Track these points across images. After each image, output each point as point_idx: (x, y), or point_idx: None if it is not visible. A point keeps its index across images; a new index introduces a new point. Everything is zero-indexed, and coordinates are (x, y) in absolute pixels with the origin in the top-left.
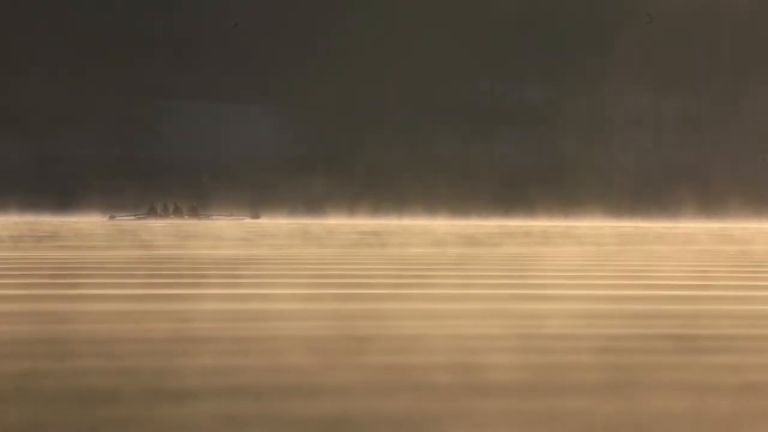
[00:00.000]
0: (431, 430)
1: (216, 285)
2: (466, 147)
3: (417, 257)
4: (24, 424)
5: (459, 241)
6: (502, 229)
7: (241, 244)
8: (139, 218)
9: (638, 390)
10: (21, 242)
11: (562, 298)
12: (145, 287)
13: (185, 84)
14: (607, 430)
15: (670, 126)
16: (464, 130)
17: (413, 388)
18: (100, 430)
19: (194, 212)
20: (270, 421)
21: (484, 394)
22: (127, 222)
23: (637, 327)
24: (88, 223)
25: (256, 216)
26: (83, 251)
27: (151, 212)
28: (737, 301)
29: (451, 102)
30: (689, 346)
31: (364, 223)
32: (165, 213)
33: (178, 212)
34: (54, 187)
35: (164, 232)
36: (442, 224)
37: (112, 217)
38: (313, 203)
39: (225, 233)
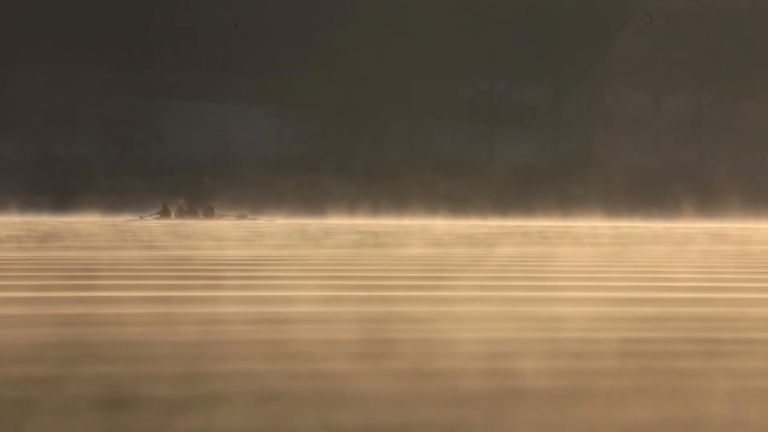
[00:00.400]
0: None
1: (236, 287)
2: (466, 147)
3: (429, 258)
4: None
5: (467, 242)
6: (506, 230)
7: (249, 245)
8: (152, 218)
9: (668, 395)
10: (28, 243)
11: (580, 301)
12: (163, 289)
13: (185, 84)
14: None
15: (670, 126)
16: (464, 130)
17: (443, 394)
18: None
19: (211, 212)
20: (299, 428)
21: (515, 400)
22: (135, 222)
23: (658, 330)
24: (88, 223)
25: (243, 216)
26: (92, 252)
27: (165, 212)
28: (750, 303)
29: (451, 102)
30: (712, 350)
31: (368, 223)
32: (179, 213)
33: (192, 212)
34: (54, 187)
35: (164, 232)
36: (446, 224)
37: (141, 217)
38: (313, 203)
39: (228, 234)
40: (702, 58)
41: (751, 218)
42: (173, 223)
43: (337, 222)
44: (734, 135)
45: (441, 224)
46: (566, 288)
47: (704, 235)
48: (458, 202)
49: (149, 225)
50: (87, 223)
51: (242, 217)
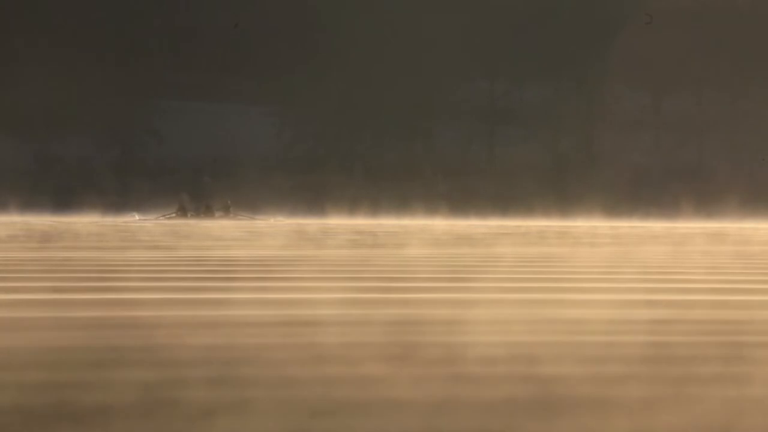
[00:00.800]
0: None
1: (257, 289)
2: (466, 147)
3: (441, 258)
4: None
5: (473, 242)
6: (509, 230)
7: (259, 245)
8: (168, 218)
9: (697, 402)
10: (35, 243)
11: (597, 303)
12: (184, 291)
13: (185, 84)
14: None
15: (670, 126)
16: (464, 130)
17: (470, 400)
18: None
19: (227, 212)
20: None
21: (555, 410)
22: (147, 222)
23: (679, 334)
24: (89, 223)
25: (258, 217)
26: (101, 252)
27: (181, 212)
28: (765, 305)
29: (451, 102)
30: (735, 354)
31: (375, 223)
32: (196, 212)
33: (209, 211)
34: (54, 187)
35: (163, 232)
36: (450, 224)
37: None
38: (314, 203)
39: (229, 233)
40: (702, 58)
41: (752, 218)
42: (173, 222)
43: (342, 222)
44: (734, 135)
45: (445, 224)
46: (581, 290)
47: (707, 235)
48: (458, 202)
49: (148, 225)
50: (90, 223)
51: (258, 217)
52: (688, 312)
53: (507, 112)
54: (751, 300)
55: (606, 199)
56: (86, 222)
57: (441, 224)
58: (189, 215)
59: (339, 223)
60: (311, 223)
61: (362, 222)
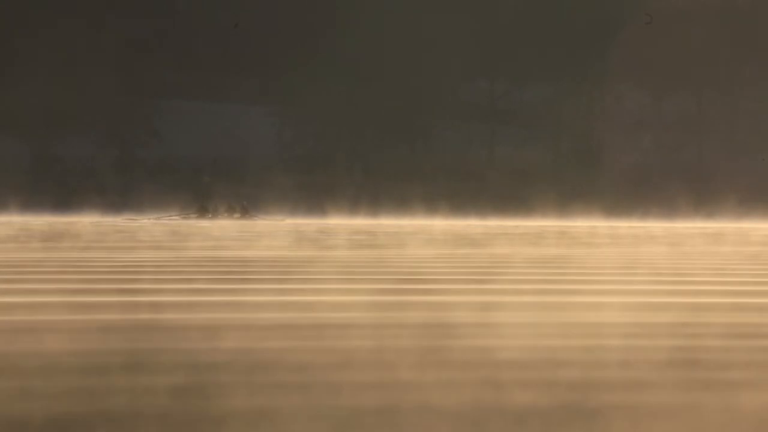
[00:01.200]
0: None
1: (279, 291)
2: (467, 147)
3: (455, 259)
4: None
5: (480, 242)
6: (512, 230)
7: (269, 245)
8: (186, 218)
9: (739, 410)
10: (42, 243)
11: (620, 307)
12: (207, 293)
13: (185, 84)
14: None
15: (670, 126)
16: (464, 130)
17: (499, 407)
18: None
19: (245, 212)
20: None
21: (585, 416)
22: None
23: (701, 338)
24: (93, 223)
25: (276, 217)
26: (110, 252)
27: (202, 212)
28: None
29: (451, 102)
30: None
31: (379, 223)
32: (215, 213)
33: (230, 212)
34: (54, 186)
35: (164, 232)
36: (456, 225)
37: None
38: (314, 203)
39: (230, 234)
40: (702, 58)
41: (754, 218)
42: (173, 223)
43: (352, 222)
44: (734, 135)
45: (450, 225)
46: (597, 293)
47: (714, 235)
48: (459, 202)
49: (147, 225)
50: (93, 222)
51: (273, 218)
52: (708, 315)
53: (507, 112)
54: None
55: (607, 199)
56: (89, 222)
57: (448, 225)
58: (208, 216)
59: (351, 223)
60: (326, 223)
61: (369, 222)
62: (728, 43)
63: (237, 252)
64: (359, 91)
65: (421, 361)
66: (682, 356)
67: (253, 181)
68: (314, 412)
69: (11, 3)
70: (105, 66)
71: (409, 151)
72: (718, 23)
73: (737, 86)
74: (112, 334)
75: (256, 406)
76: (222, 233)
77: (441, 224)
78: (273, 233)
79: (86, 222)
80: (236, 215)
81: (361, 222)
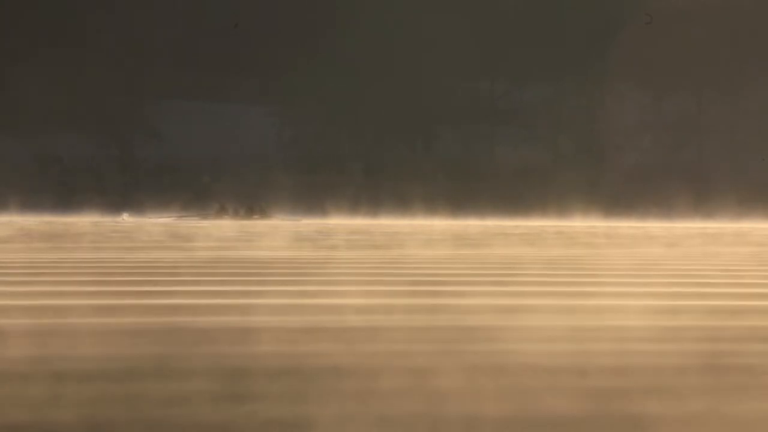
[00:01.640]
0: None
1: (299, 293)
2: (466, 147)
3: (469, 260)
4: None
5: (489, 243)
6: (514, 230)
7: (279, 246)
8: (205, 218)
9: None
10: (49, 243)
11: (642, 310)
12: (229, 296)
13: (185, 84)
14: None
15: (670, 126)
16: (464, 130)
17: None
18: None
19: (263, 213)
20: None
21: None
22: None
23: (736, 342)
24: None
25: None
26: (121, 253)
27: (221, 212)
28: None
29: (451, 102)
30: None
31: (383, 223)
32: (235, 214)
33: (249, 213)
34: (54, 186)
35: (164, 232)
36: (461, 225)
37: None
38: (314, 203)
39: (231, 234)
40: (702, 58)
41: (754, 218)
42: (171, 223)
43: (361, 223)
44: (734, 135)
45: (458, 225)
46: (614, 295)
47: (721, 236)
48: (459, 202)
49: (147, 226)
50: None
51: (294, 218)
52: (728, 318)
53: (507, 112)
54: None
55: (608, 199)
56: (90, 222)
57: (453, 225)
58: (227, 216)
59: (361, 223)
60: (343, 223)
61: (379, 222)
62: (728, 43)
63: (252, 253)
64: (359, 91)
65: (451, 366)
66: (709, 361)
67: (253, 181)
68: (349, 419)
69: (11, 3)
70: (105, 66)
71: (410, 151)
72: (718, 23)
73: (737, 86)
74: (141, 338)
75: (291, 413)
76: (237, 233)
77: (448, 225)
78: (290, 233)
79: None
80: (255, 216)
81: (371, 222)
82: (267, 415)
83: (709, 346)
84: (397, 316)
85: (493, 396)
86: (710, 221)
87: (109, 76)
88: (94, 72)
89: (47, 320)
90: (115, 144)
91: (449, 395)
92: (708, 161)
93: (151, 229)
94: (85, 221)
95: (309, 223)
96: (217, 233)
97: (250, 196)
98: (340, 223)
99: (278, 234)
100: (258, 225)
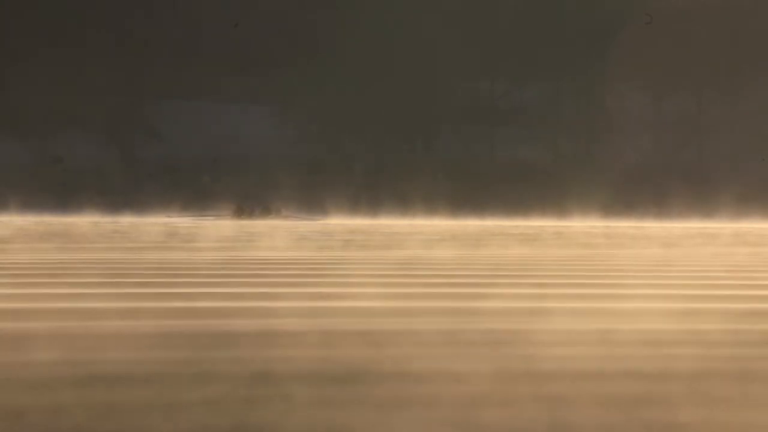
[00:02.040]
0: None
1: (319, 296)
2: (466, 147)
3: (482, 260)
4: None
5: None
6: (516, 230)
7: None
8: (221, 218)
9: None
10: (56, 243)
11: (667, 313)
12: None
13: (185, 84)
14: None
15: (670, 126)
16: (464, 130)
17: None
18: None
19: (279, 213)
20: None
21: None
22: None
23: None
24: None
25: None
26: (131, 254)
27: (238, 212)
28: None
29: (451, 102)
30: None
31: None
32: (251, 213)
33: (265, 212)
34: (54, 186)
35: (164, 233)
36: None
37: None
38: (314, 203)
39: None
40: (702, 58)
41: (754, 218)
42: (171, 222)
43: (370, 222)
44: (734, 135)
45: (469, 225)
46: (638, 298)
47: (727, 236)
48: (459, 202)
49: (146, 226)
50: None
51: (311, 218)
52: (756, 321)
53: (507, 112)
54: None
55: (610, 199)
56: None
57: (457, 225)
58: (244, 216)
59: (380, 223)
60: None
61: (385, 222)
62: (728, 43)
63: (265, 253)
64: (359, 91)
65: (491, 373)
66: (739, 366)
67: (253, 181)
68: (387, 428)
69: (11, 3)
70: (105, 66)
71: (410, 152)
72: (718, 23)
73: (737, 86)
74: (165, 341)
75: (331, 421)
76: (251, 233)
77: (457, 225)
78: (305, 233)
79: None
80: (271, 216)
81: (383, 222)
82: (300, 421)
83: (738, 351)
84: (420, 319)
85: (526, 402)
86: (710, 221)
87: (109, 76)
88: (94, 72)
89: (74, 323)
90: (115, 144)
91: (482, 401)
92: (708, 161)
93: (162, 230)
94: (84, 221)
95: (325, 224)
96: (229, 233)
97: (250, 196)
98: (357, 223)
99: (292, 234)
100: (272, 225)
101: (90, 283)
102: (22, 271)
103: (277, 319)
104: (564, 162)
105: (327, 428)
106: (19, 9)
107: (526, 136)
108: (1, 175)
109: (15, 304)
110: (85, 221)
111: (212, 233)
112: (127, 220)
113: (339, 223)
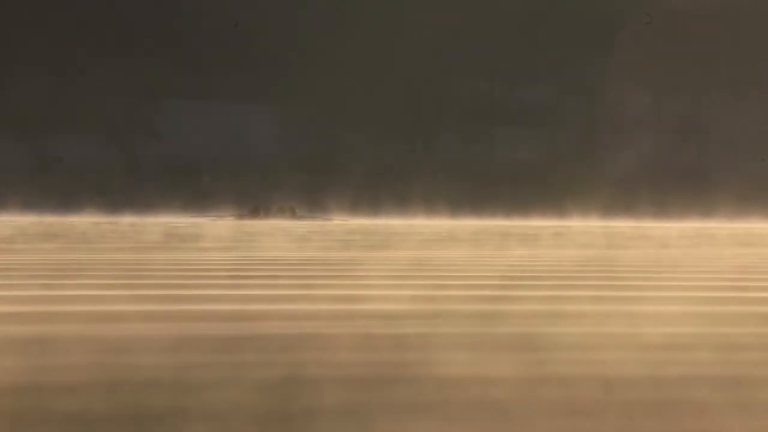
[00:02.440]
0: None
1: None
2: (466, 147)
3: (496, 261)
4: None
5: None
6: (518, 231)
7: (295, 246)
8: (239, 218)
9: None
10: (62, 243)
11: (680, 317)
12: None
13: (185, 84)
14: None
15: (671, 126)
16: (464, 130)
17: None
18: None
19: (293, 213)
20: None
21: None
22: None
23: None
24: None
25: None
26: (138, 254)
27: (254, 212)
28: None
29: (451, 102)
30: None
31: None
32: (267, 213)
33: (281, 212)
34: (54, 187)
35: (164, 233)
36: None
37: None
38: (314, 203)
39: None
40: (702, 58)
41: (754, 218)
42: (171, 223)
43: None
44: (734, 135)
45: (459, 224)
46: (666, 300)
47: (731, 236)
48: (460, 202)
49: (146, 226)
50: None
51: (325, 218)
52: None
53: (507, 112)
54: None
55: (606, 200)
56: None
57: (463, 225)
58: (260, 216)
59: (375, 223)
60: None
61: (392, 223)
62: (728, 43)
63: (285, 254)
64: (359, 91)
65: (529, 380)
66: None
67: (253, 181)
68: None
69: (11, 3)
70: (105, 66)
71: (410, 152)
72: (718, 23)
73: (737, 86)
74: (203, 344)
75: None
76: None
77: (465, 225)
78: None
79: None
80: (286, 216)
81: (395, 222)
82: (328, 426)
83: (766, 355)
84: (445, 321)
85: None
86: (711, 221)
87: (109, 76)
88: (94, 72)
89: (102, 325)
90: (115, 144)
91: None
92: (708, 161)
93: (152, 230)
94: (85, 221)
95: (339, 224)
96: (242, 233)
97: (250, 196)
98: (371, 223)
99: (306, 233)
100: (285, 225)
101: (108, 284)
102: (30, 272)
103: (300, 321)
104: (564, 162)
105: None
106: (19, 9)
107: (526, 136)
108: (1, 175)
109: (37, 307)
110: (86, 221)
111: (223, 233)
112: (128, 220)
113: (358, 223)
